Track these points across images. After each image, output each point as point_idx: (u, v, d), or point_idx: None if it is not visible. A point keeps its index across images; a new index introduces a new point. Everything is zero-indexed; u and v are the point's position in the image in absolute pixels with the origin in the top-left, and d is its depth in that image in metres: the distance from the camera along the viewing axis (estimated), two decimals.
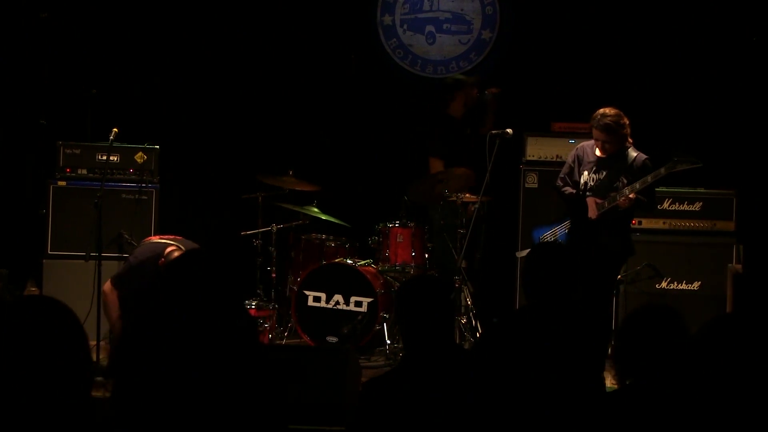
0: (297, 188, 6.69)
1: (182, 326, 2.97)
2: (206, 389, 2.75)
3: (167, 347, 2.88)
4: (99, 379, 5.15)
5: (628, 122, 5.38)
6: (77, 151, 6.76)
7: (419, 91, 7.54)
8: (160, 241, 5.62)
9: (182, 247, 5.34)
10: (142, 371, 2.85)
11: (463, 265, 6.18)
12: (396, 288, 6.44)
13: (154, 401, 2.79)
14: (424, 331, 2.82)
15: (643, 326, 2.68)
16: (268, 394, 2.85)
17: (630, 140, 5.43)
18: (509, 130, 5.94)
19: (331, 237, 6.75)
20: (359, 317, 6.22)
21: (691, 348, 2.54)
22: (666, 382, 2.57)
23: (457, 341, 5.73)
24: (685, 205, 6.59)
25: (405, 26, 7.71)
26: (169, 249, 5.33)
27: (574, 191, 5.50)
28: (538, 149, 6.85)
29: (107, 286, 5.50)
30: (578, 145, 5.64)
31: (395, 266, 6.44)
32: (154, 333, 3.01)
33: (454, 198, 6.12)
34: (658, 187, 6.20)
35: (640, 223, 6.51)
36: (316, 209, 6.70)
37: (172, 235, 5.69)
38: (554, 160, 6.73)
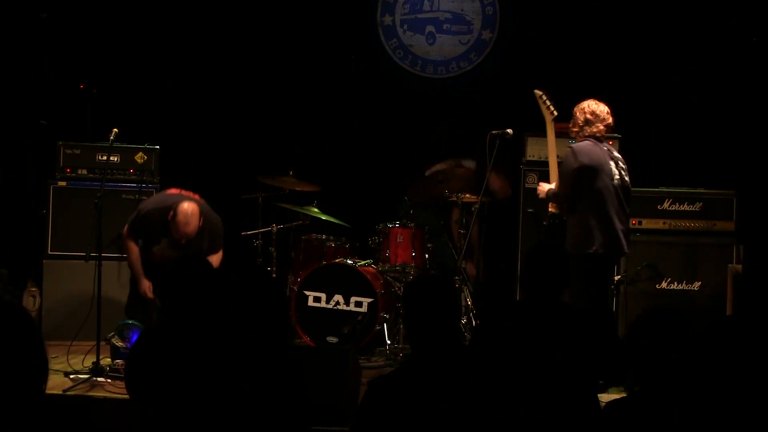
0: (297, 188, 6.69)
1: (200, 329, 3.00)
2: (229, 391, 2.77)
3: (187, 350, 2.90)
4: (99, 379, 5.17)
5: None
6: (77, 151, 6.76)
7: (418, 93, 7.54)
8: (172, 193, 5.88)
9: (191, 201, 5.61)
10: (161, 378, 2.87)
11: (463, 265, 6.18)
12: (396, 288, 6.45)
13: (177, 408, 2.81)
14: (430, 330, 2.82)
15: (650, 332, 2.68)
16: (292, 396, 2.84)
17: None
18: (509, 130, 5.93)
19: (331, 237, 6.75)
20: (359, 317, 6.21)
21: (694, 353, 2.54)
22: (672, 387, 2.58)
23: None
24: (685, 206, 6.58)
25: (405, 26, 7.71)
26: (180, 204, 5.58)
27: None
28: (538, 149, 6.83)
29: (125, 229, 5.82)
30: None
31: (395, 266, 6.43)
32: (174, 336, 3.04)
33: (455, 198, 6.12)
34: (658, 188, 6.27)
35: (640, 223, 6.51)
36: (316, 209, 6.70)
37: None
38: None
